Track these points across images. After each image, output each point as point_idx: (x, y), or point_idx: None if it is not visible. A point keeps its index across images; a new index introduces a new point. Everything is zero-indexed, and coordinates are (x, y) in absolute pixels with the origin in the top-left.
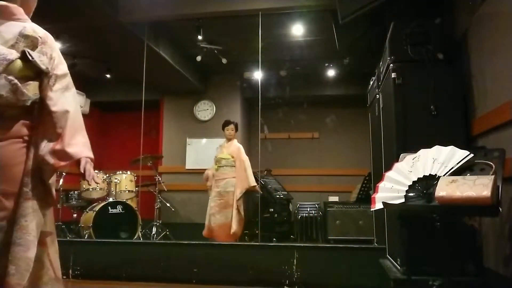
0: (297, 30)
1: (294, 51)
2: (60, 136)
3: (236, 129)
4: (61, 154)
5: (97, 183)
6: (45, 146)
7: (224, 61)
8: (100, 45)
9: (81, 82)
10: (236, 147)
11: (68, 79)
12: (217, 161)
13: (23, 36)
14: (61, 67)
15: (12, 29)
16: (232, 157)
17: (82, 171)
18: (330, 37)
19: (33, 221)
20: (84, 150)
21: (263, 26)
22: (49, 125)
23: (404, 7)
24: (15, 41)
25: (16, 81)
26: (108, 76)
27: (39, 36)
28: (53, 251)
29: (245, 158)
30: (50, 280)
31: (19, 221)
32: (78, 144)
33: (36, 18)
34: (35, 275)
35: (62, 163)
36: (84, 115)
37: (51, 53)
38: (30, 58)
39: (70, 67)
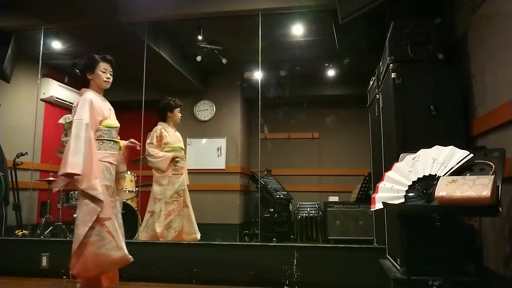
0: (297, 30)
1: (294, 51)
2: None
3: None
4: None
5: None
6: None
7: (224, 61)
8: (100, 45)
9: (81, 82)
10: (179, 135)
11: (74, 123)
12: (177, 150)
13: (75, 106)
14: (76, 115)
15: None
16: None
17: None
18: (330, 37)
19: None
20: (62, 170)
21: (263, 26)
22: None
23: (404, 7)
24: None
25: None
26: None
27: (76, 104)
28: (113, 229)
29: None
30: (113, 248)
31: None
32: (66, 165)
33: (37, 18)
34: (97, 244)
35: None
36: None
37: (76, 110)
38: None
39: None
